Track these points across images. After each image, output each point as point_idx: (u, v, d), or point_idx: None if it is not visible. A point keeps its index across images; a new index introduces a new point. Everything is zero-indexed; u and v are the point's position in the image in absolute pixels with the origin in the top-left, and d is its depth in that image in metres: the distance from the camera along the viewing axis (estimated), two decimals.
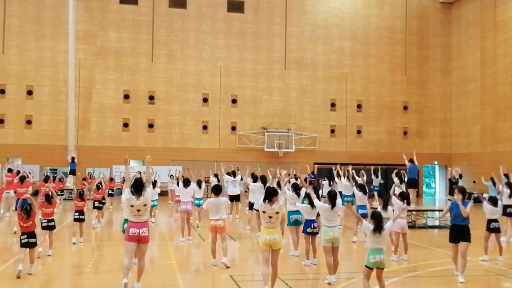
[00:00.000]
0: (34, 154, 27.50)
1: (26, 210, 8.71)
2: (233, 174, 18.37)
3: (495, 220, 10.85)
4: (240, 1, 30.82)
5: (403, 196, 10.99)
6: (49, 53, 28.45)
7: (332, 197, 8.64)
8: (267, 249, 7.41)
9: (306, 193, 10.34)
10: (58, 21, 28.44)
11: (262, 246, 7.46)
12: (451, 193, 22.70)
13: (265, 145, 30.05)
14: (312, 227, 9.66)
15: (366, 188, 13.17)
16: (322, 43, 31.73)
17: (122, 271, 7.44)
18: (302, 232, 9.95)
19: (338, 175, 16.16)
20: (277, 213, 7.43)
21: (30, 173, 17.65)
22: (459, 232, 8.91)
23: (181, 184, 13.60)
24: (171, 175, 23.89)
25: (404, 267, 9.96)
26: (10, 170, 19.00)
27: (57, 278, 9.12)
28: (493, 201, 10.93)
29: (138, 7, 29.69)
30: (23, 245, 8.62)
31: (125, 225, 8.51)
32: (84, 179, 22.60)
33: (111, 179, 23.17)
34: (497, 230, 10.80)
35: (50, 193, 10.46)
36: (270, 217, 7.40)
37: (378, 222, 7.17)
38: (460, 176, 22.87)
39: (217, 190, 9.78)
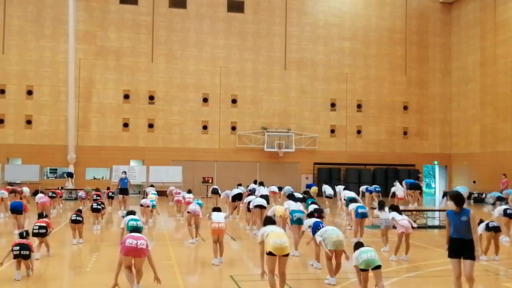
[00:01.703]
0: (34, 154, 27.50)
1: (21, 235, 8.88)
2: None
3: (491, 221, 10.87)
4: (240, 1, 30.81)
5: (394, 209, 11.20)
6: (49, 53, 28.45)
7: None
8: (274, 257, 7.05)
9: (312, 209, 10.74)
10: (58, 21, 28.44)
11: (271, 250, 7.02)
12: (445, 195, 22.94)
13: (265, 145, 30.05)
14: (321, 226, 9.70)
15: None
16: (322, 43, 31.72)
17: (128, 282, 7.44)
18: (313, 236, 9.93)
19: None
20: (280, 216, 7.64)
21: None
22: (460, 247, 7.04)
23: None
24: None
25: (404, 267, 9.96)
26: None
27: (57, 278, 9.12)
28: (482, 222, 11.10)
29: (138, 7, 29.68)
30: (15, 256, 8.45)
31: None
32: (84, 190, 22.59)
33: (108, 188, 22.82)
34: (496, 229, 10.74)
35: (43, 212, 11.39)
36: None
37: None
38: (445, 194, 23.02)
39: (217, 192, 10.21)
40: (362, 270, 7.07)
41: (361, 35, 32.25)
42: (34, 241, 9.69)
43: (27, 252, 8.45)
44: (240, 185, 19.27)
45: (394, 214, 10.99)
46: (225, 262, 9.94)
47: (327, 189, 22.82)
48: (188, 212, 12.45)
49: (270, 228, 7.47)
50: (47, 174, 28.40)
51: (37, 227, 10.09)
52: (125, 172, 22.40)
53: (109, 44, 29.24)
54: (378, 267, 7.05)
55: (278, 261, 7.12)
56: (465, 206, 6.96)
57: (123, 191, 19.36)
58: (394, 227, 11.13)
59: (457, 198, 6.95)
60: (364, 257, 7.00)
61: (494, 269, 9.95)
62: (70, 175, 26.61)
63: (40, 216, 10.89)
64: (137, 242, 7.31)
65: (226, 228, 10.49)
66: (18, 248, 8.41)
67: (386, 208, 11.33)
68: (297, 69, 31.39)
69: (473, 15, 31.35)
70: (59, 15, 28.42)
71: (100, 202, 15.25)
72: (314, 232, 9.82)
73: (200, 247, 12.07)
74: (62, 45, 28.20)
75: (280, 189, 23.11)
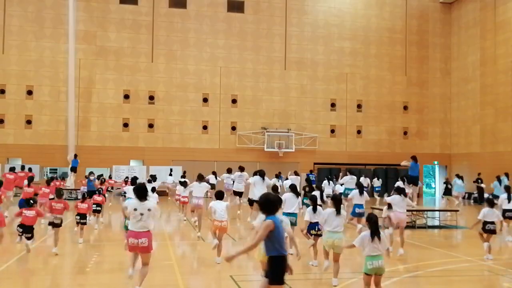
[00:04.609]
0: (34, 154, 27.49)
1: (29, 202, 9.02)
2: (229, 171, 19.24)
3: (492, 222, 10.73)
4: (240, 1, 30.82)
5: (399, 190, 11.07)
6: (49, 53, 28.45)
7: (337, 202, 8.54)
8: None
9: (311, 195, 10.46)
10: (58, 21, 28.44)
11: (262, 260, 6.76)
12: (446, 193, 22.98)
13: (265, 145, 30.05)
14: (316, 229, 9.70)
15: (363, 188, 13.53)
16: (322, 43, 31.72)
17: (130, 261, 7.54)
18: (307, 233, 9.98)
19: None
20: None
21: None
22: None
23: (196, 183, 13.44)
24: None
25: (404, 267, 9.96)
26: (12, 169, 19.07)
27: (57, 278, 9.13)
28: (490, 202, 10.89)
29: (138, 7, 29.69)
30: (20, 234, 9.15)
31: (127, 222, 8.72)
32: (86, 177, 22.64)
33: (110, 177, 23.01)
34: (492, 232, 10.73)
35: (61, 190, 11.24)
36: None
37: (374, 227, 6.88)
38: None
39: (219, 195, 10.10)
40: (366, 274, 6.88)
41: (361, 35, 32.25)
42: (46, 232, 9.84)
43: (29, 235, 8.97)
44: (230, 171, 19.34)
45: (397, 199, 10.78)
46: (225, 262, 9.91)
47: (326, 187, 22.70)
48: (192, 211, 12.55)
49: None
50: (47, 174, 28.38)
51: (52, 217, 10.29)
52: (92, 173, 22.22)
53: (109, 44, 29.24)
54: (381, 274, 6.97)
55: None
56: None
57: (92, 194, 18.09)
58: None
59: (259, 202, 5.72)
60: (375, 264, 6.76)
61: (494, 269, 9.95)
62: (73, 169, 26.29)
63: (58, 194, 10.78)
64: (138, 242, 7.27)
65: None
66: (21, 230, 8.98)
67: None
68: (297, 69, 31.40)
69: (473, 15, 31.34)
70: (59, 15, 28.42)
71: (99, 204, 15.21)
72: (309, 231, 9.87)
73: (200, 247, 12.08)
74: (62, 45, 28.20)
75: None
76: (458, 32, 32.77)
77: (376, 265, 6.77)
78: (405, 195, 11.02)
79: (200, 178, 13.42)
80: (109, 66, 29.19)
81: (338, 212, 8.47)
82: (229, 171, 20.19)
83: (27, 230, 8.75)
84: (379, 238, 6.84)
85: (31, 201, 9.24)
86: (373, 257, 6.79)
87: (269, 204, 5.58)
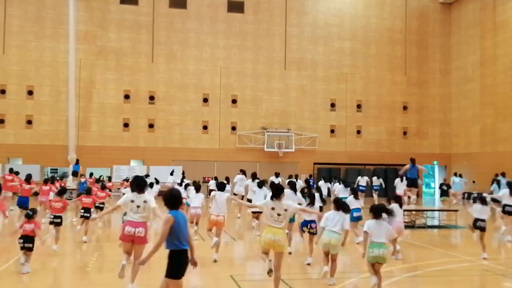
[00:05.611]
0: (35, 154, 27.54)
1: (27, 214, 8.93)
2: (227, 180, 19.38)
3: (483, 220, 10.83)
4: (240, 1, 30.84)
5: (396, 199, 11.17)
6: (49, 53, 28.48)
7: (338, 204, 8.56)
8: (267, 252, 7.07)
9: (309, 193, 10.52)
10: (58, 21, 28.47)
11: (263, 246, 7.03)
12: (442, 194, 22.93)
13: (265, 145, 30.08)
14: (309, 227, 9.78)
15: (358, 193, 13.64)
16: (322, 43, 31.74)
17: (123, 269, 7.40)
18: (301, 229, 10.17)
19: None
20: (285, 210, 7.05)
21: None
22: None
23: (193, 190, 13.41)
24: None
25: (404, 267, 9.98)
26: (11, 171, 19.08)
27: (58, 278, 9.15)
28: (482, 200, 11.01)
29: (138, 7, 29.71)
30: (21, 248, 8.80)
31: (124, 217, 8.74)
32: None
33: (109, 179, 23.09)
34: (482, 229, 10.81)
35: (64, 188, 11.53)
36: (279, 215, 7.03)
37: (377, 213, 7.09)
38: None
39: (222, 186, 10.23)
40: (368, 261, 7.07)
41: (361, 35, 32.27)
42: (49, 230, 10.04)
43: (30, 245, 8.75)
44: (243, 172, 19.45)
45: (395, 207, 10.88)
46: (225, 262, 9.97)
47: (322, 187, 22.63)
48: (191, 221, 12.61)
49: (272, 221, 7.08)
50: (47, 174, 28.40)
51: (52, 216, 10.53)
52: (83, 175, 22.08)
53: (109, 44, 29.27)
54: (382, 263, 7.11)
55: (274, 255, 7.10)
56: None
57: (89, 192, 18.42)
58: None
59: (163, 197, 5.76)
60: (376, 252, 6.85)
61: (494, 269, 9.97)
62: (74, 174, 26.32)
63: (62, 192, 10.97)
64: (135, 230, 7.20)
65: (226, 226, 10.52)
66: (22, 241, 8.73)
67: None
68: (297, 69, 31.42)
69: (473, 15, 31.36)
70: (59, 15, 28.44)
71: (103, 202, 15.30)
72: (302, 228, 9.99)
73: (199, 247, 12.09)
74: (63, 45, 28.22)
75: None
76: (458, 32, 32.78)
77: (377, 253, 6.85)
78: (401, 205, 11.10)
79: (197, 189, 13.37)
80: (110, 66, 29.22)
81: (337, 210, 8.47)
82: (227, 180, 19.95)
83: (27, 240, 8.70)
84: (381, 217, 7.01)
85: (31, 212, 9.13)
86: (376, 245, 6.87)
87: (171, 199, 5.62)
